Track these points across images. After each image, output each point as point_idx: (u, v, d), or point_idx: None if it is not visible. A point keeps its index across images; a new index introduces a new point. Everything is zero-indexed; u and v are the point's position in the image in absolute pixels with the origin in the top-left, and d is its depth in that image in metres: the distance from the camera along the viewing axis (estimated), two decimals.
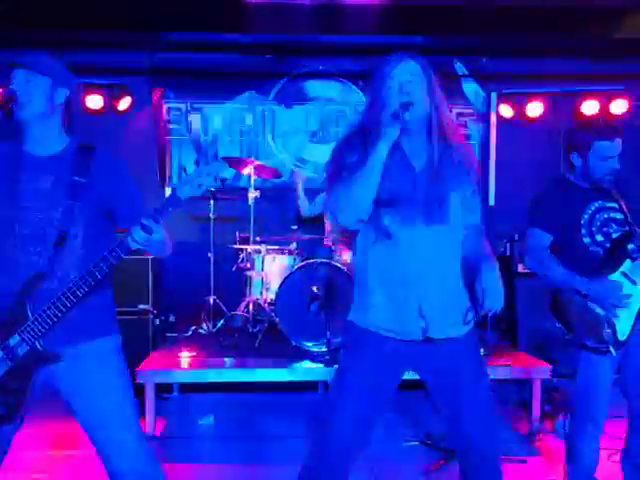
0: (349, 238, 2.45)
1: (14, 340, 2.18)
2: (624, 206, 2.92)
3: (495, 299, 2.22)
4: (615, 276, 2.85)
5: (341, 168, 2.25)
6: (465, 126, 6.74)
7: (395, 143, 2.18)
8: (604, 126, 2.98)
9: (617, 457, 3.18)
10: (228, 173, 2.29)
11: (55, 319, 2.17)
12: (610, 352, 2.79)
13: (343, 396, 2.31)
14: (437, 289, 2.24)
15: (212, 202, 5.66)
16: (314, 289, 4.89)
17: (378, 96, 2.25)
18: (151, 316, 5.07)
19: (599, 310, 2.83)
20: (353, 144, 2.28)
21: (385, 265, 2.26)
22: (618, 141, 2.92)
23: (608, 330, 2.79)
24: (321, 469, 2.31)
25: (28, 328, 2.17)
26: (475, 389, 2.28)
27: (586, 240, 2.92)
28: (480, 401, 2.28)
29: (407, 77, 2.22)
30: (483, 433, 2.27)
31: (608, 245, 2.89)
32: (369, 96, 2.35)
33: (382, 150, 2.13)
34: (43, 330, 2.17)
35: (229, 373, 4.53)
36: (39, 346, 2.19)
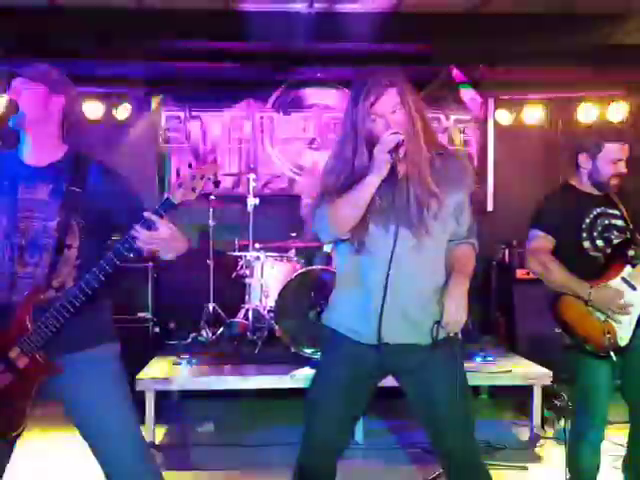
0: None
1: (14, 352, 2.18)
2: (625, 213, 2.94)
3: (453, 318, 2.16)
4: (615, 282, 2.86)
5: (327, 190, 2.25)
6: (463, 132, 6.75)
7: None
8: (614, 129, 3.02)
9: (619, 463, 3.18)
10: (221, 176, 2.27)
11: (54, 329, 2.16)
12: (610, 357, 2.79)
13: (316, 398, 2.32)
14: (406, 298, 2.21)
15: (211, 209, 5.66)
16: (312, 295, 4.89)
17: (360, 126, 2.19)
18: (151, 323, 5.06)
19: (599, 315, 2.83)
20: (339, 165, 2.26)
21: (360, 270, 2.24)
22: (626, 145, 2.96)
23: (608, 335, 2.79)
24: (305, 471, 2.32)
25: (28, 340, 2.17)
26: (449, 399, 2.21)
27: (586, 244, 2.94)
28: (455, 412, 2.22)
29: (390, 109, 2.17)
30: (459, 443, 2.24)
31: (609, 250, 2.91)
32: (349, 120, 2.24)
33: (374, 183, 2.14)
34: (42, 342, 2.17)
35: (229, 380, 4.53)
36: (39, 358, 2.19)
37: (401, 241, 2.18)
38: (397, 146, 2.12)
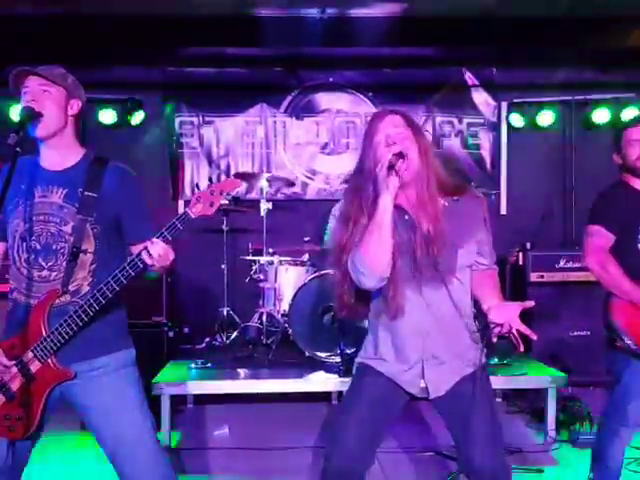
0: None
1: (27, 356, 2.20)
2: None
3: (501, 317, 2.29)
4: None
5: (349, 236, 2.26)
6: (476, 136, 6.74)
7: (397, 204, 2.22)
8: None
9: (634, 466, 3.16)
10: (240, 190, 2.29)
11: (67, 337, 2.18)
12: None
13: (347, 416, 2.33)
14: (441, 347, 2.28)
15: (225, 214, 5.68)
16: (326, 299, 4.90)
17: (368, 154, 2.26)
18: (165, 328, 5.08)
19: None
20: (351, 214, 2.28)
21: (392, 321, 2.30)
22: None
23: None
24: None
25: (41, 345, 2.19)
26: (481, 419, 2.25)
27: None
28: (487, 431, 2.26)
29: (392, 129, 2.23)
30: (491, 462, 2.25)
31: None
32: (359, 156, 2.32)
33: (386, 203, 2.14)
34: (55, 347, 2.19)
35: (243, 384, 4.54)
36: (52, 363, 2.21)
37: (429, 290, 2.25)
38: (396, 157, 2.14)
